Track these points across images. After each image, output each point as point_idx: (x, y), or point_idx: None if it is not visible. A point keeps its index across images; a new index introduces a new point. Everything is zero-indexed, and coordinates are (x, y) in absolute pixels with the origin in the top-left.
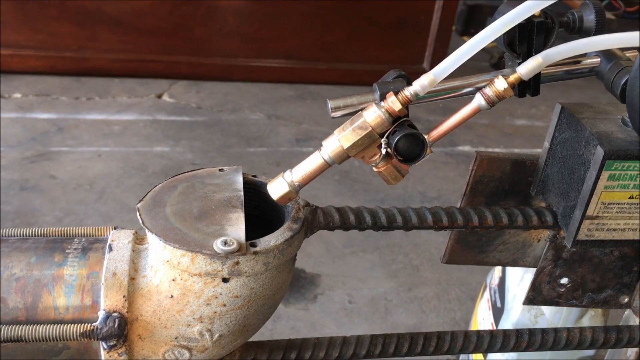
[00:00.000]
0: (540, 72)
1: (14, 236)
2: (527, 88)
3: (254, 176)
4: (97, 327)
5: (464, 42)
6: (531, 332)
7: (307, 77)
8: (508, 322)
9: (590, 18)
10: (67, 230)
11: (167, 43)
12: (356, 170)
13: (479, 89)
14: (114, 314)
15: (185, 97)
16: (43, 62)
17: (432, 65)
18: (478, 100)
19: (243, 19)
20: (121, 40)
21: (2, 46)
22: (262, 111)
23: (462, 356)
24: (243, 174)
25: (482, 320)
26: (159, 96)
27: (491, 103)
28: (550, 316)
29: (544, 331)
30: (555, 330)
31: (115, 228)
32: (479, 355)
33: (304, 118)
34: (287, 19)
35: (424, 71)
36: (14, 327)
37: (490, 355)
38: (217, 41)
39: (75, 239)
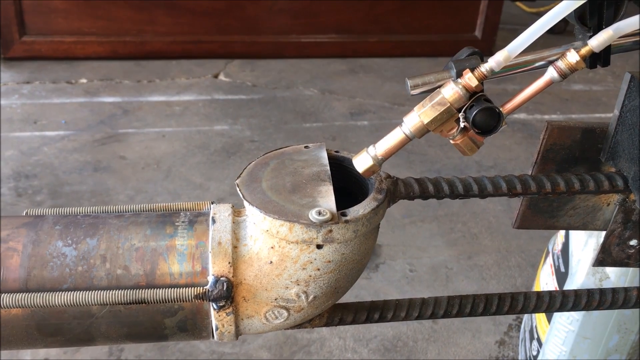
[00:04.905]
0: (610, 44)
1: (129, 211)
2: (597, 59)
3: (337, 151)
4: (208, 290)
5: (517, 8)
6: (602, 291)
7: (358, 51)
8: (573, 286)
9: None
10: (171, 206)
11: (220, 23)
12: (411, 142)
13: (551, 62)
14: (221, 279)
15: (241, 76)
16: (105, 47)
17: (484, 33)
18: (550, 73)
19: None
20: (177, 22)
21: (67, 34)
22: (316, 87)
23: (524, 319)
24: (326, 149)
25: (545, 285)
26: (216, 76)
27: (563, 75)
28: (615, 279)
29: (614, 290)
30: (625, 290)
31: (212, 203)
32: (543, 317)
33: (357, 92)
34: None
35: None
36: (137, 290)
37: (555, 317)
38: (269, 18)
39: (181, 213)
